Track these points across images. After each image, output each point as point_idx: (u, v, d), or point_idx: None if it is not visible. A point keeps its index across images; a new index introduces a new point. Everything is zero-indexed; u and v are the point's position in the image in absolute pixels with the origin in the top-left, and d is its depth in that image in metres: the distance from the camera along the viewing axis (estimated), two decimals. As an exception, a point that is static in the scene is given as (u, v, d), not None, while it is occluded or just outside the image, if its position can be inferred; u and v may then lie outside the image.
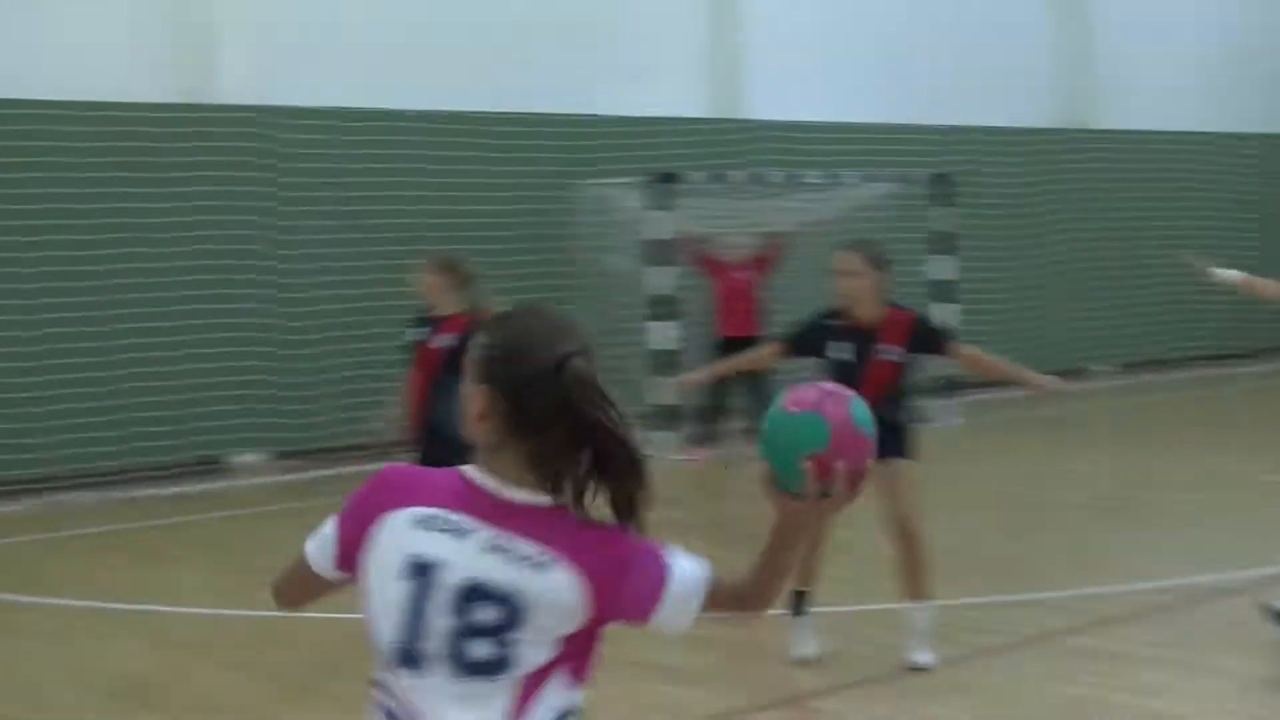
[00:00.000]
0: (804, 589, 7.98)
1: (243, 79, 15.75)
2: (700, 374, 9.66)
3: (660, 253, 16.22)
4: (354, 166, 16.34)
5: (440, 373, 8.09)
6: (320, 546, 2.91)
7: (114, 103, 15.04)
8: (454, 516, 2.74)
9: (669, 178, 16.54)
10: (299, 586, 3.01)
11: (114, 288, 15.01)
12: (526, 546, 2.70)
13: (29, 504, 14.12)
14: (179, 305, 15.34)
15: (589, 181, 17.22)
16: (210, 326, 15.49)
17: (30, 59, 14.62)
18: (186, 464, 15.19)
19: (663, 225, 16.25)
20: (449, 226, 16.82)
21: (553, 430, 2.70)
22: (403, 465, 2.89)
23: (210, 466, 15.31)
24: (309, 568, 2.93)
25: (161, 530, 12.68)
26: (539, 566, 2.70)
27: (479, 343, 2.81)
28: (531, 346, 2.73)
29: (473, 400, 2.78)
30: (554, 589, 2.70)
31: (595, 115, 17.91)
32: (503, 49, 17.31)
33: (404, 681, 2.74)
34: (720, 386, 15.08)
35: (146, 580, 10.54)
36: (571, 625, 2.73)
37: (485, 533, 2.72)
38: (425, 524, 2.74)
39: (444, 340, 8.25)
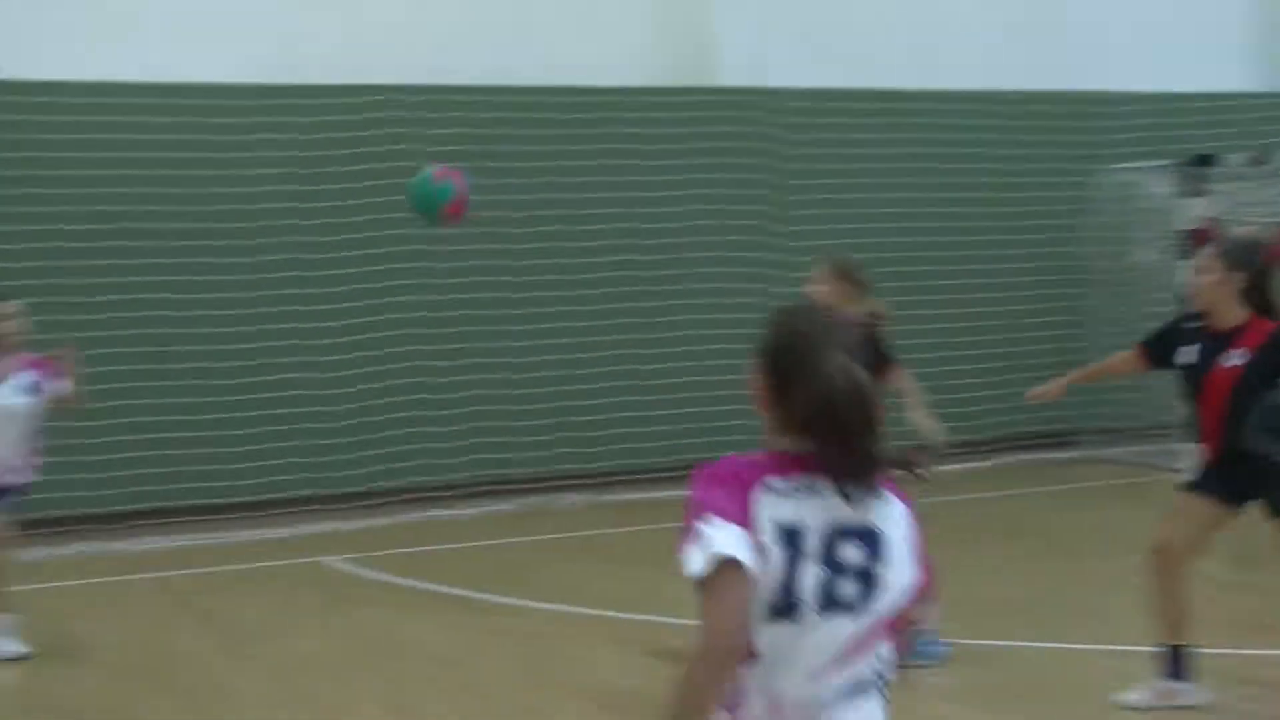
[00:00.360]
0: (1183, 644, 7.19)
1: (742, 61, 15.77)
2: (1061, 383, 8.12)
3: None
4: (855, 151, 16.10)
5: None
6: (741, 549, 3.03)
7: (611, 88, 15.26)
8: (798, 480, 3.12)
9: (1203, 160, 15.57)
10: (747, 614, 3.06)
11: (611, 280, 15.21)
12: (863, 490, 3.12)
13: (517, 504, 14.47)
14: (677, 300, 15.41)
15: (1112, 165, 16.42)
16: (707, 323, 15.50)
17: (520, 44, 15.01)
18: (676, 469, 15.25)
19: (1195, 213, 15.30)
20: (952, 215, 16.38)
21: (814, 420, 3.11)
22: (722, 459, 3.18)
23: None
24: (747, 583, 3.04)
25: (653, 536, 12.74)
26: (881, 500, 3.16)
27: (761, 335, 3.22)
28: (796, 345, 3.16)
29: (754, 386, 3.24)
30: (898, 519, 3.19)
31: (1119, 92, 17.06)
32: (1016, 22, 16.72)
33: (776, 635, 3.09)
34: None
35: (636, 587, 10.53)
36: (910, 569, 3.17)
37: (828, 484, 3.12)
38: (782, 492, 3.11)
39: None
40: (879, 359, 7.46)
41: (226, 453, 13.95)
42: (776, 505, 3.10)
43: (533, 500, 14.59)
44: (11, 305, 9.19)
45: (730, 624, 3.02)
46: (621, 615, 9.65)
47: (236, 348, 13.98)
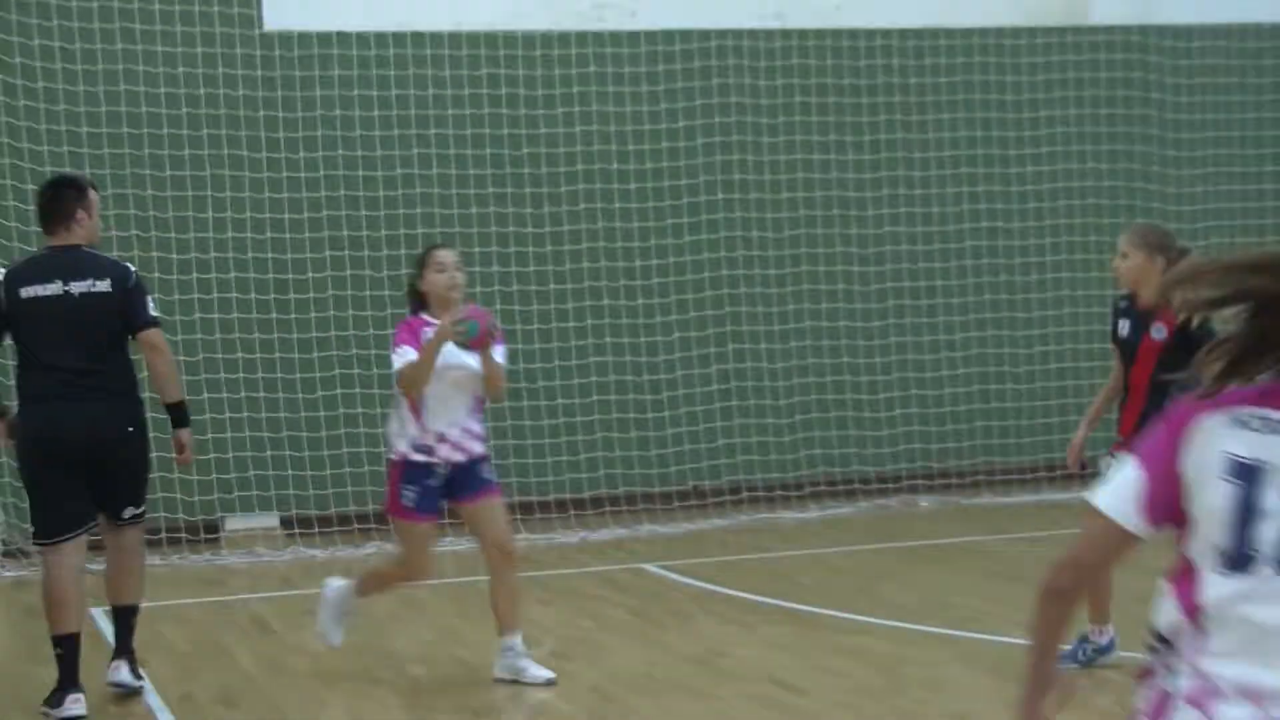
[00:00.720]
0: None
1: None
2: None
3: None
4: (1243, 99, 15.60)
5: (1156, 372, 7.97)
6: (1120, 505, 3.14)
7: (980, 28, 15.05)
8: (1273, 413, 3.04)
9: None
10: (1095, 557, 3.22)
11: (968, 251, 14.95)
12: None
13: (861, 508, 14.35)
14: (1045, 275, 15.14)
15: None
16: (1079, 300, 15.06)
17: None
18: (1039, 470, 14.82)
19: None
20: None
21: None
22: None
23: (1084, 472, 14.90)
24: (1108, 530, 3.15)
25: (1017, 546, 12.41)
26: None
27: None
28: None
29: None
30: None
31: None
32: None
33: (1227, 586, 3.03)
34: None
35: (1001, 605, 10.23)
36: None
37: None
38: (1243, 423, 3.05)
39: (1159, 334, 7.93)
40: (1201, 334, 7.46)
41: (538, 445, 14.05)
42: (1237, 438, 3.06)
43: (878, 504, 14.47)
44: (449, 253, 8.61)
45: (1071, 562, 3.23)
46: (985, 636, 9.37)
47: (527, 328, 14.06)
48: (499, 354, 8.40)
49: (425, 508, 8.47)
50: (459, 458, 8.45)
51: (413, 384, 8.34)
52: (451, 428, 8.42)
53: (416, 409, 8.40)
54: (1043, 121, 15.07)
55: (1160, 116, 15.30)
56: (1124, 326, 8.11)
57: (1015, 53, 15.03)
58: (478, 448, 8.52)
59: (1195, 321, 7.56)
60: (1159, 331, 7.88)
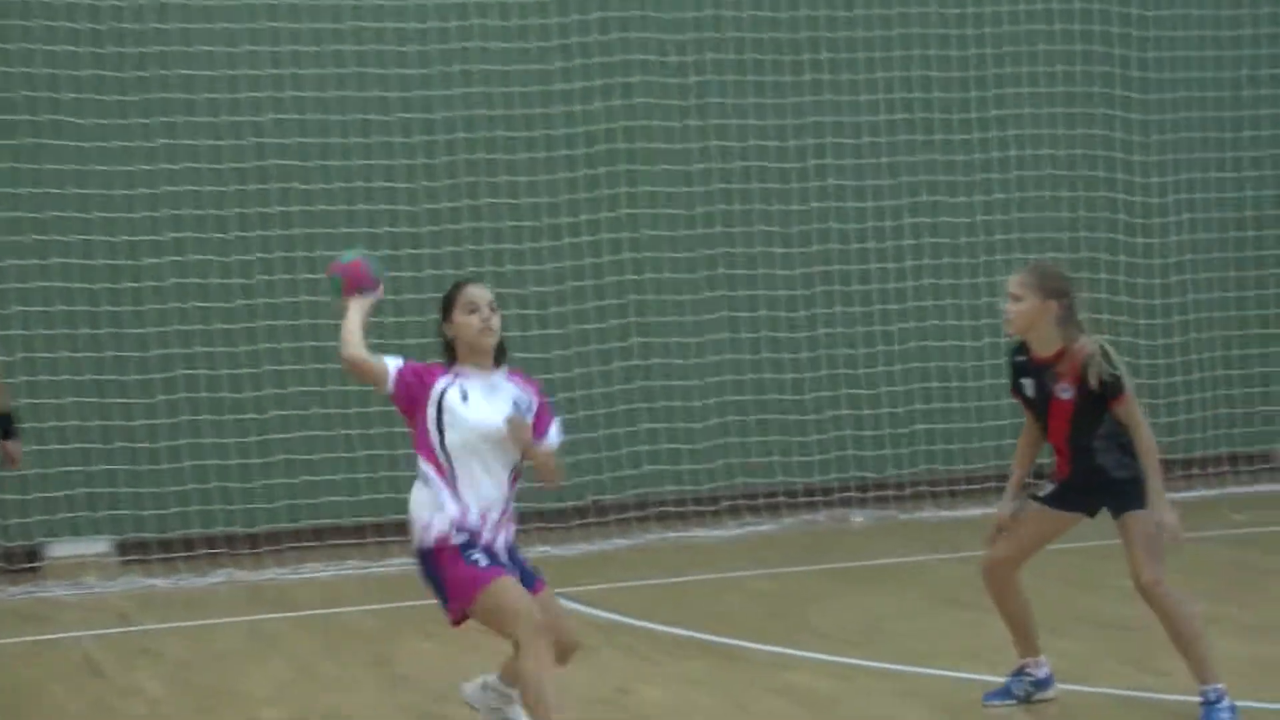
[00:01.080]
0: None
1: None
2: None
3: None
4: (1218, 54, 15.67)
5: (1073, 433, 8.06)
6: None
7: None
8: None
9: None
10: None
11: (905, 230, 14.99)
12: None
13: (784, 525, 14.40)
14: (998, 255, 15.17)
15: None
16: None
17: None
18: (984, 480, 14.84)
19: None
20: None
21: None
22: None
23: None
24: None
25: (961, 567, 12.37)
26: None
27: None
28: None
29: None
30: None
31: None
32: None
33: None
34: None
35: (938, 632, 10.25)
36: None
37: None
38: None
39: (1066, 393, 8.00)
40: (1102, 391, 7.78)
41: (410, 455, 13.82)
42: None
43: (806, 519, 14.51)
44: (483, 290, 7.85)
45: None
46: (930, 671, 9.30)
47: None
48: (555, 432, 7.93)
49: (496, 562, 7.66)
50: (499, 542, 7.73)
51: (344, 348, 7.77)
52: (492, 509, 7.72)
53: (451, 480, 7.72)
54: (990, 81, 15.17)
55: (1124, 75, 15.41)
56: (1028, 386, 8.23)
57: (960, 3, 15.06)
58: (511, 529, 7.84)
59: (1094, 382, 7.76)
60: (1065, 391, 7.98)
